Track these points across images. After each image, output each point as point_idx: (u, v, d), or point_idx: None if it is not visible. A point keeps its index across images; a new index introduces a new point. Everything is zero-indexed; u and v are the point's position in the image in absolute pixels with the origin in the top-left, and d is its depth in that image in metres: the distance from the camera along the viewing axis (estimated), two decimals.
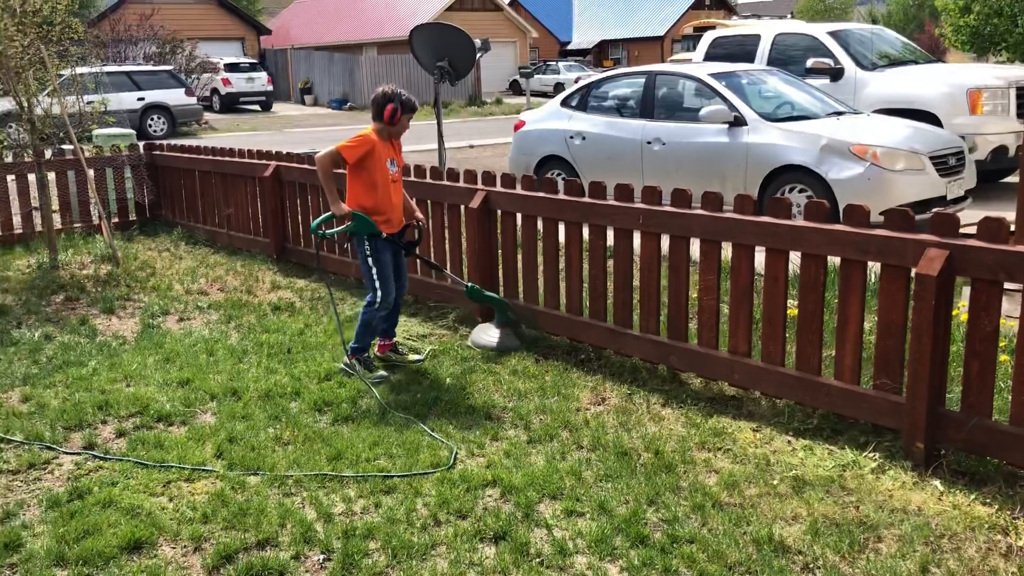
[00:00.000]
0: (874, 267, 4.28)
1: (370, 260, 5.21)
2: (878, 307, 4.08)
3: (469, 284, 5.80)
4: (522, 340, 5.68)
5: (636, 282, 5.22)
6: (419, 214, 5.64)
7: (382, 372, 5.27)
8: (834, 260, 4.33)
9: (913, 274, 3.86)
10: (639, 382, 5.01)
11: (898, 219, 3.98)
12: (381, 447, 4.30)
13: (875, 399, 4.08)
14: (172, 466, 4.15)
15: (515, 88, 42.86)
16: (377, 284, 5.22)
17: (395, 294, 5.33)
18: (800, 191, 8.05)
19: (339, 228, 5.17)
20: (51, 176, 8.86)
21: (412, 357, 5.51)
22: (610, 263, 5.34)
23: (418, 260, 5.66)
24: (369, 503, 3.79)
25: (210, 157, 8.99)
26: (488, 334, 5.74)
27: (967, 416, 3.78)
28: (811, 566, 3.22)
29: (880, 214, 4.18)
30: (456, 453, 4.20)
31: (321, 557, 3.40)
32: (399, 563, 3.33)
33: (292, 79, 39.42)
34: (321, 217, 5.24)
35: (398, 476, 3.99)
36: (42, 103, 7.93)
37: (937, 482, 3.75)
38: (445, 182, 6.39)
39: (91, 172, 8.87)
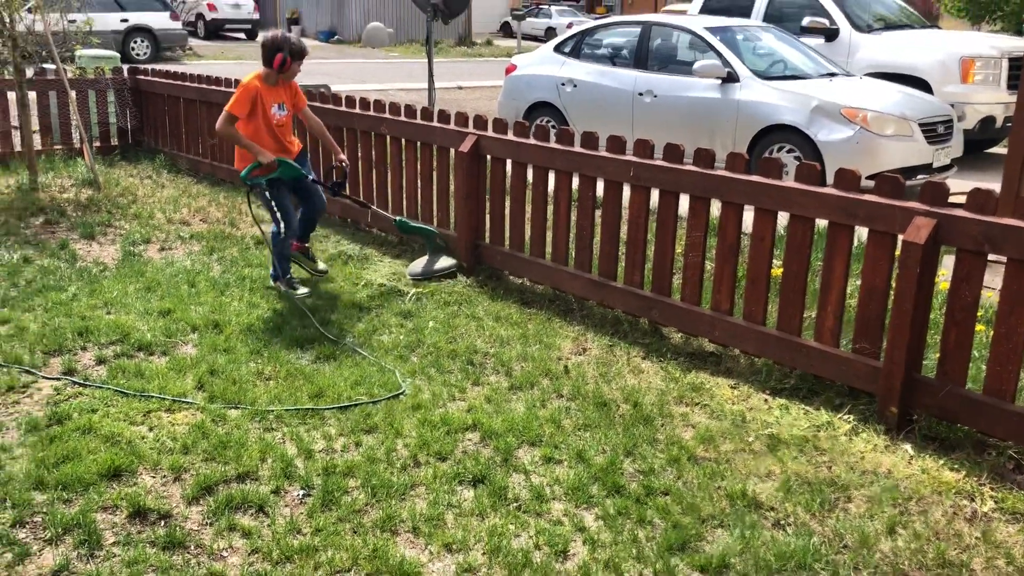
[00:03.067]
0: (860, 231, 4.31)
1: (268, 195, 5.61)
2: (862, 272, 4.12)
3: (398, 218, 6.26)
4: (456, 258, 6.11)
5: (623, 235, 5.22)
6: (342, 156, 5.99)
7: (304, 290, 5.65)
8: (821, 222, 4.36)
9: (900, 241, 3.89)
10: (621, 334, 5.05)
11: (888, 185, 4.00)
12: (363, 386, 4.32)
13: (853, 362, 4.14)
14: (153, 396, 4.16)
15: (506, 30, 42.22)
16: (279, 216, 5.64)
17: (305, 212, 5.88)
18: (788, 151, 8.06)
19: (269, 175, 5.47)
20: (32, 96, 8.67)
21: (321, 266, 6.05)
22: (597, 214, 5.34)
23: (347, 199, 6.42)
24: (349, 441, 3.83)
25: (196, 85, 8.82)
26: (421, 263, 6.14)
27: (941, 383, 3.85)
28: (782, 522, 3.30)
29: (867, 178, 4.21)
30: (404, 390, 4.26)
31: (301, 492, 3.43)
32: (378, 501, 3.37)
33: (279, 8, 38.56)
34: (250, 165, 5.43)
35: (366, 402, 4.02)
36: (24, 19, 7.72)
37: (908, 446, 3.83)
38: (436, 124, 6.32)
39: (73, 93, 8.69)
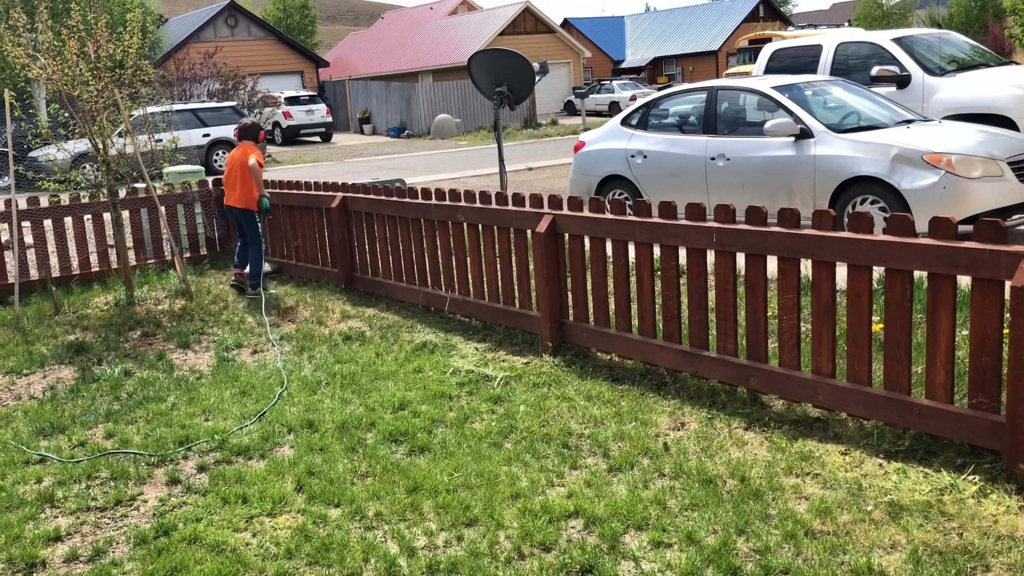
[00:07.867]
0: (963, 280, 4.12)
1: (259, 226, 8.40)
2: (971, 323, 3.92)
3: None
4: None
5: (711, 303, 5.11)
6: None
7: (273, 291, 8.33)
8: (919, 274, 4.18)
9: (1008, 287, 3.70)
10: (719, 405, 4.89)
11: (989, 231, 3.82)
12: (460, 477, 4.26)
13: (971, 418, 3.91)
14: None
15: (569, 108, 42.95)
16: (262, 239, 8.40)
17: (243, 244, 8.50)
18: (872, 202, 7.85)
19: (266, 207, 8.32)
20: (125, 214, 9.08)
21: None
22: (682, 283, 5.24)
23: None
24: (451, 536, 3.75)
25: (276, 190, 9.11)
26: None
27: None
28: None
29: (959, 222, 4.04)
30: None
31: None
32: None
33: (351, 109, 40.09)
34: (263, 202, 8.24)
35: None
36: (115, 144, 8.15)
37: None
38: (511, 207, 6.37)
39: (163, 209, 9.07)
